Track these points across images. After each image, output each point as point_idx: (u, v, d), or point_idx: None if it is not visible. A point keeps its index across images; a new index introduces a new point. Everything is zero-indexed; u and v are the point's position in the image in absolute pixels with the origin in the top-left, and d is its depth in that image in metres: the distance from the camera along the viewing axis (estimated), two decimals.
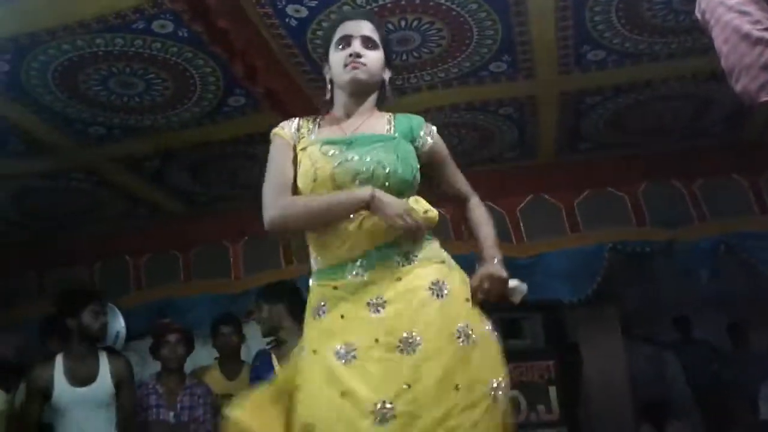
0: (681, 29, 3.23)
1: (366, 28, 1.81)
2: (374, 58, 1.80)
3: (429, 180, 1.87)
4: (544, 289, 4.57)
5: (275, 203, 1.71)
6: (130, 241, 5.17)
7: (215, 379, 3.78)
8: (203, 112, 3.68)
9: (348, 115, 1.83)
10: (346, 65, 1.77)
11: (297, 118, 1.87)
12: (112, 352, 3.45)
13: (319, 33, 3.05)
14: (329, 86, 1.88)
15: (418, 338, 1.56)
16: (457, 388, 1.55)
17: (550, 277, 4.56)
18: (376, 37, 1.82)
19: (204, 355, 4.21)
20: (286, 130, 1.84)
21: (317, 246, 1.74)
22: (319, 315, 1.69)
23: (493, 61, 3.42)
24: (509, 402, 1.65)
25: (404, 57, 3.31)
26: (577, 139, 4.48)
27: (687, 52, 3.43)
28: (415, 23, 3.06)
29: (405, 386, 1.52)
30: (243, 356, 4.00)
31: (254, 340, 4.41)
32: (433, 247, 1.74)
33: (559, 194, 4.72)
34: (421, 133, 1.83)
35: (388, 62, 1.87)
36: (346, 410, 1.52)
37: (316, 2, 2.88)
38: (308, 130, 1.82)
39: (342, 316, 1.64)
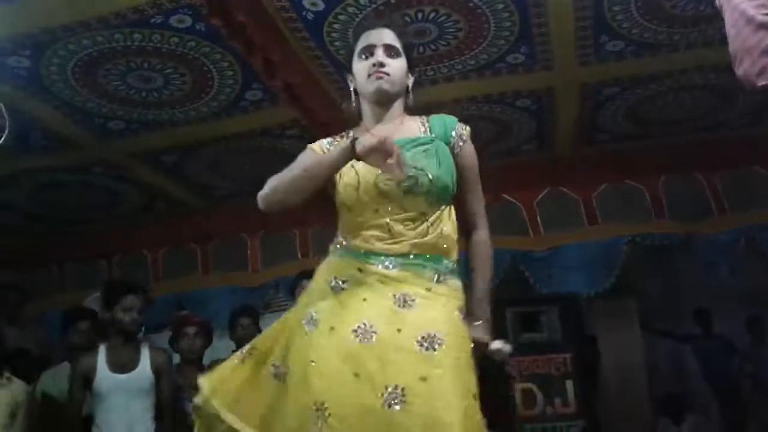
0: (701, 19, 3.18)
1: (388, 36, 1.79)
2: (397, 66, 1.78)
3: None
4: (561, 282, 4.57)
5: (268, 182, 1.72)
6: (149, 235, 5.23)
7: None
8: (221, 106, 3.70)
9: (378, 124, 1.80)
10: (369, 75, 1.76)
11: (330, 138, 1.85)
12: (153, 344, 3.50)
13: (336, 26, 3.05)
14: (353, 96, 1.85)
15: (441, 338, 1.56)
16: (474, 396, 1.57)
17: (568, 270, 4.54)
18: (398, 44, 1.80)
19: (221, 347, 4.23)
20: (318, 144, 1.83)
21: (352, 230, 1.72)
22: (338, 290, 1.67)
23: (511, 52, 3.40)
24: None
25: (421, 49, 3.29)
26: (595, 131, 4.45)
27: (707, 42, 3.39)
28: (432, 15, 3.05)
29: (421, 379, 1.51)
30: None
31: None
32: (458, 282, 1.72)
33: (577, 187, 4.69)
34: (454, 134, 1.80)
35: (411, 68, 1.86)
36: (358, 390, 1.52)
37: None
38: (345, 142, 1.75)
39: (364, 300, 1.62)
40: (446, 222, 1.72)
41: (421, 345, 1.55)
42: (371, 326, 1.57)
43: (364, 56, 1.79)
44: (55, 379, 3.60)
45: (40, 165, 4.19)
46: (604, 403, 5.86)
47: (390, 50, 1.78)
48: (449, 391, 1.51)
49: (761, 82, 1.23)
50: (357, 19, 2.99)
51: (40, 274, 5.22)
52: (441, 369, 1.53)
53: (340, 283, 1.67)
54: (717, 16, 1.45)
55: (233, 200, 4.96)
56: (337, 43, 3.19)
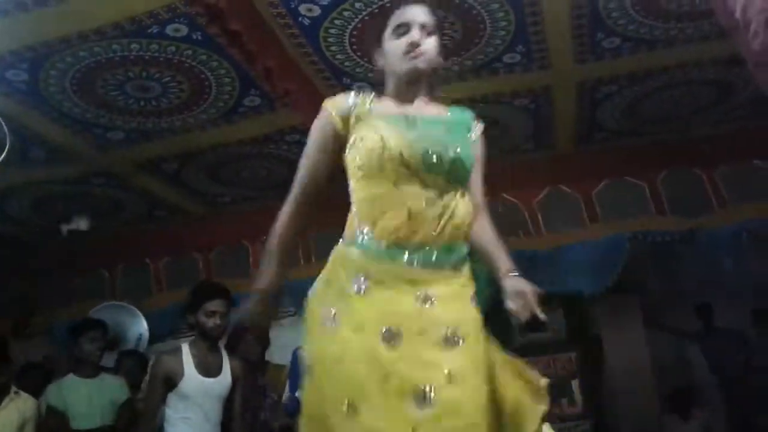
0: (697, 13, 3.19)
1: (422, 14, 1.80)
2: (432, 44, 1.79)
3: None
4: (564, 281, 4.55)
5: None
6: (150, 244, 5.23)
7: None
8: (219, 113, 3.70)
9: (402, 102, 1.80)
10: (406, 53, 1.76)
11: (353, 93, 1.81)
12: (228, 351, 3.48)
13: (332, 31, 3.06)
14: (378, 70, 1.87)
15: (462, 335, 1.60)
16: (493, 390, 1.61)
17: (571, 269, 4.53)
18: (432, 23, 1.81)
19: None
20: (339, 103, 1.79)
21: (371, 215, 1.69)
22: (359, 291, 1.65)
23: (507, 52, 3.40)
24: None
25: None
26: (593, 129, 4.45)
27: (704, 36, 3.39)
28: None
29: (446, 378, 1.54)
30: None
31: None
32: (468, 266, 1.74)
33: (577, 185, 4.69)
34: (473, 125, 1.84)
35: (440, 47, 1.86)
36: (387, 394, 1.53)
37: (328, 0, 2.88)
38: (366, 106, 1.78)
39: (388, 299, 1.62)
40: (462, 205, 1.71)
41: (446, 343, 1.58)
42: (397, 329, 1.58)
43: (398, 34, 1.79)
44: (61, 392, 3.59)
45: (40, 177, 4.20)
46: (611, 401, 5.85)
47: (425, 28, 1.78)
48: (473, 389, 1.56)
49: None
50: (353, 23, 3.01)
51: (43, 286, 5.21)
52: (464, 365, 1.57)
53: (362, 284, 1.65)
54: (712, 11, 1.44)
55: (234, 207, 4.96)
56: (333, 48, 3.20)
